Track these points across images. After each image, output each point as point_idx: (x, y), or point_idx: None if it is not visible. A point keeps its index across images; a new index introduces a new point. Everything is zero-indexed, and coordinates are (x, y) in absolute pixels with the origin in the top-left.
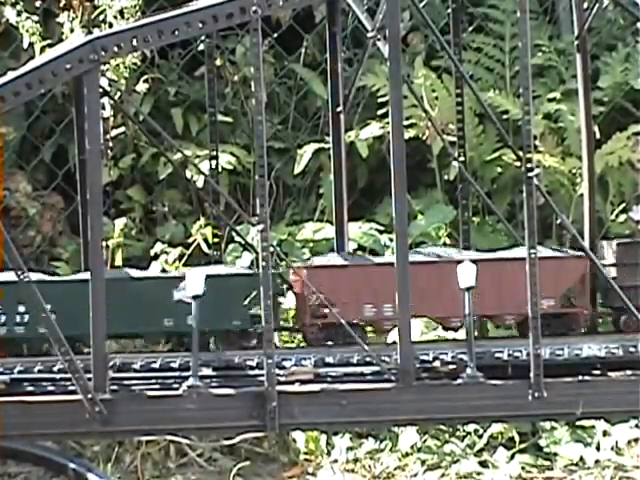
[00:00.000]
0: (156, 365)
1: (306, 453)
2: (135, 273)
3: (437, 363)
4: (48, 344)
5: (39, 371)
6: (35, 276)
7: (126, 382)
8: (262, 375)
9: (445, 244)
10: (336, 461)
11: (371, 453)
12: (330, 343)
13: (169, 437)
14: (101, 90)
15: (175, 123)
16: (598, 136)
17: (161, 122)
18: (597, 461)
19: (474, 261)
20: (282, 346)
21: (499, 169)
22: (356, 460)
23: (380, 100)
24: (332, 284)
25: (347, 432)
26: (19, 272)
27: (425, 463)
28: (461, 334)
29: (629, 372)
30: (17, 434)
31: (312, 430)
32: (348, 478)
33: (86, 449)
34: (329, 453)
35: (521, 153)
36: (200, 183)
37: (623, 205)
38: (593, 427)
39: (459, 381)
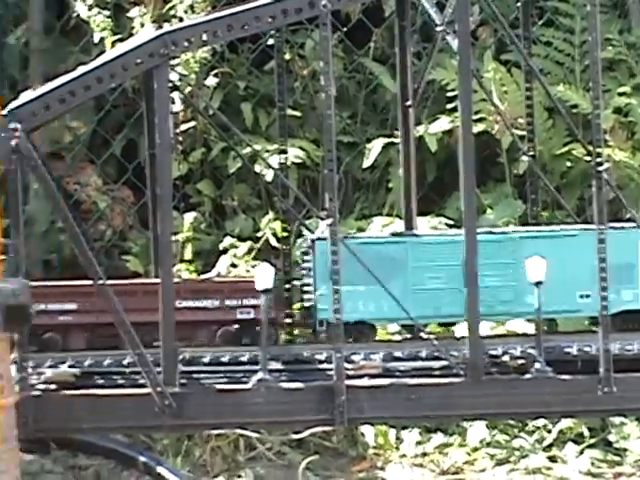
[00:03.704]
0: (225, 359)
1: (375, 447)
2: None
3: (506, 358)
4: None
5: (109, 364)
6: None
7: (195, 376)
8: (331, 369)
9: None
10: (405, 455)
11: (440, 448)
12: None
13: (238, 431)
14: (171, 84)
15: (245, 117)
16: None
17: (231, 116)
18: None
19: None
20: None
21: (568, 163)
22: (425, 454)
23: (449, 94)
24: None
25: (416, 426)
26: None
27: (494, 458)
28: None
29: None
30: (87, 427)
31: (381, 424)
32: (417, 472)
33: (156, 442)
34: (398, 447)
35: (591, 147)
36: (269, 177)
37: None
38: None
39: (528, 376)
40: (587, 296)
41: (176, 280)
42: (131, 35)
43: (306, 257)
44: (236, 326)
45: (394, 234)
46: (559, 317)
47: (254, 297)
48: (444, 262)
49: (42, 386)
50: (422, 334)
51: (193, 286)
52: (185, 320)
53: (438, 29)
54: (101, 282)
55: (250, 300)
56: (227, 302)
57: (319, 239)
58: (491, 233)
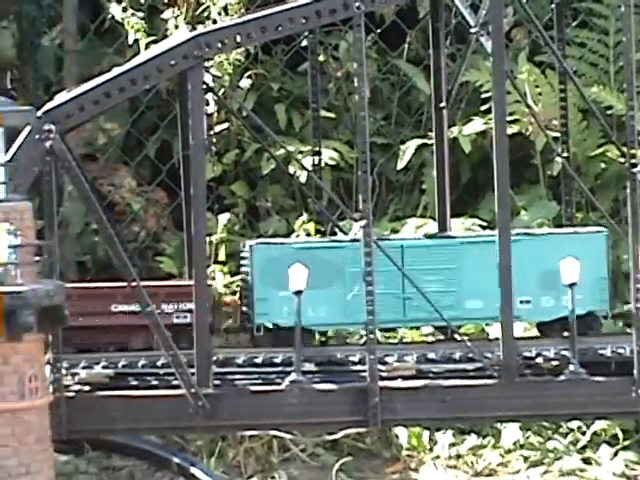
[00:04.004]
0: (259, 360)
1: (408, 449)
2: None
3: (540, 359)
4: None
5: (143, 365)
6: None
7: (229, 377)
8: (364, 370)
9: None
10: (438, 457)
11: (473, 449)
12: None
13: (272, 432)
14: (205, 86)
15: (278, 119)
16: None
17: (264, 118)
18: None
19: None
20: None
21: (603, 165)
22: (458, 456)
23: (483, 96)
24: None
25: (449, 428)
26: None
27: (528, 460)
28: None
29: None
30: (121, 428)
31: (414, 426)
32: (450, 474)
33: (190, 443)
34: (431, 449)
35: (625, 149)
36: (303, 179)
37: None
38: None
39: (562, 377)
40: (527, 302)
41: (111, 285)
42: (165, 37)
43: (244, 262)
44: (172, 330)
45: (333, 240)
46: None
47: (190, 302)
48: (382, 267)
49: (76, 387)
50: (456, 335)
51: (129, 290)
52: (121, 324)
53: (472, 30)
54: (135, 284)
55: (186, 305)
56: (163, 307)
57: (257, 244)
58: (432, 238)
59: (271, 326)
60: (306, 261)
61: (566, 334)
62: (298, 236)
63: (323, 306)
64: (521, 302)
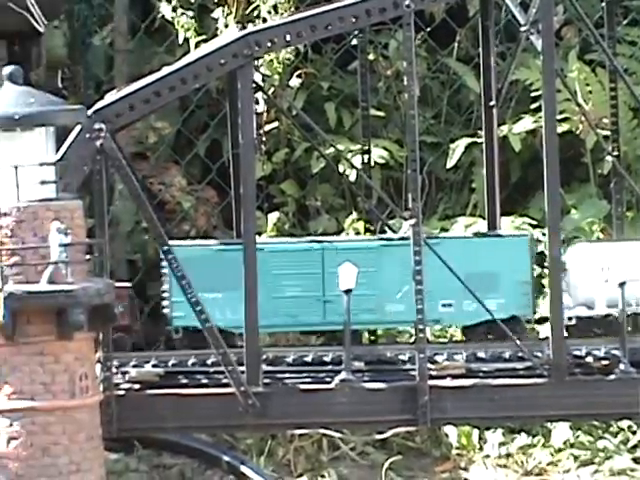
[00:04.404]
0: (308, 359)
1: (458, 448)
2: None
3: (590, 359)
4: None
5: (193, 364)
6: None
7: (279, 375)
8: (414, 369)
9: (598, 239)
10: (488, 456)
11: (523, 448)
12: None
13: (322, 430)
14: (255, 85)
15: (328, 117)
16: None
17: (314, 116)
18: None
19: None
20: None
21: None
22: (508, 455)
23: (533, 94)
24: None
25: (499, 427)
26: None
27: (578, 459)
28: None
29: None
30: (171, 426)
31: (464, 425)
32: (500, 473)
33: (239, 442)
34: (481, 448)
35: None
36: (352, 177)
37: None
38: None
39: (612, 377)
40: (449, 305)
41: None
42: (215, 36)
43: (163, 264)
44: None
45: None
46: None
47: (119, 304)
48: (302, 270)
49: (126, 385)
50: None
51: None
52: None
53: (522, 29)
54: (185, 281)
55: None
56: None
57: (173, 246)
58: (349, 241)
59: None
60: (223, 263)
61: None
62: (347, 234)
63: (240, 308)
64: (443, 305)
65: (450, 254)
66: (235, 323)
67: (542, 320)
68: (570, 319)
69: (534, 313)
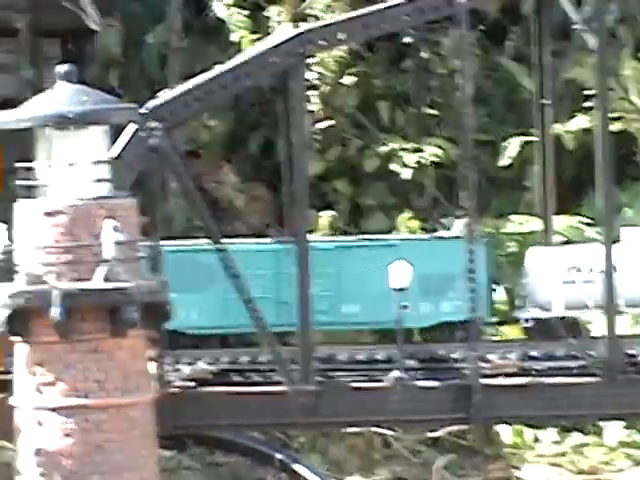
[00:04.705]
0: (361, 357)
1: (510, 446)
2: None
3: None
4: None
5: (246, 362)
6: None
7: (331, 374)
8: (467, 368)
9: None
10: (541, 455)
11: (576, 447)
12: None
13: (374, 429)
14: (308, 83)
15: (381, 116)
16: None
17: (367, 115)
18: None
19: None
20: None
21: None
22: (561, 454)
23: (586, 92)
24: None
25: (552, 426)
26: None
27: (632, 458)
28: None
29: None
30: (224, 424)
31: (516, 423)
32: (553, 472)
33: (292, 440)
34: (534, 447)
35: None
36: (406, 175)
37: None
38: None
39: None
40: (405, 307)
41: None
42: (268, 34)
43: None
44: None
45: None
46: (378, 328)
47: None
48: (259, 271)
49: (180, 383)
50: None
51: None
52: None
53: (576, 27)
54: (238, 280)
55: None
56: None
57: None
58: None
59: None
60: (182, 264)
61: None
62: (399, 232)
63: (197, 309)
64: (400, 307)
65: (406, 256)
66: (191, 324)
67: (501, 322)
68: (527, 321)
69: (493, 316)
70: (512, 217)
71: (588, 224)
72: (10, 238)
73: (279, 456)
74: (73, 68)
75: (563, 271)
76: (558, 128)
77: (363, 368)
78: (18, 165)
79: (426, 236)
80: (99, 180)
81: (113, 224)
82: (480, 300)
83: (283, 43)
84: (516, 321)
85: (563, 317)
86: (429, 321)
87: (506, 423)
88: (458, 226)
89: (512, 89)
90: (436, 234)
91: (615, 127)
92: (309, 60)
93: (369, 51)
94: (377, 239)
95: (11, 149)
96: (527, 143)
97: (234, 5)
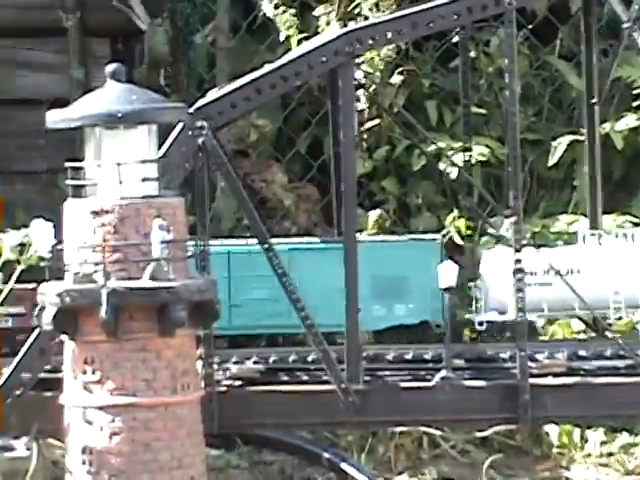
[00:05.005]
0: (409, 356)
1: (559, 446)
2: None
3: None
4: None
5: (294, 361)
6: None
7: (379, 373)
8: (514, 367)
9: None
10: (589, 455)
11: (625, 447)
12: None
13: (422, 428)
14: (356, 82)
15: (429, 115)
16: None
17: (415, 114)
18: None
19: None
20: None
21: None
22: (610, 454)
23: (635, 92)
24: None
25: (600, 426)
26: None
27: None
28: None
29: None
30: (272, 423)
31: (565, 423)
32: (601, 472)
33: (340, 439)
34: (582, 447)
35: None
36: (454, 175)
37: None
38: None
39: None
40: (358, 310)
41: None
42: (316, 33)
43: None
44: None
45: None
46: (329, 330)
47: (17, 305)
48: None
49: (227, 382)
50: (608, 333)
51: None
52: None
53: (625, 26)
54: (286, 278)
55: (7, 309)
56: None
57: None
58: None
59: None
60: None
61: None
62: (448, 232)
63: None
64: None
65: (359, 258)
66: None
67: (461, 324)
68: (481, 324)
69: (444, 319)
70: (560, 217)
71: (637, 224)
72: (59, 237)
73: (327, 455)
74: (122, 67)
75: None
76: (607, 127)
77: (410, 367)
78: (67, 164)
79: (378, 239)
80: (147, 179)
81: (161, 223)
82: (435, 303)
83: (331, 42)
84: (471, 324)
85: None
86: (382, 324)
87: (554, 423)
88: (506, 225)
89: (561, 88)
90: (389, 237)
91: None
92: (357, 59)
93: (417, 50)
94: (328, 241)
95: (60, 148)
96: (576, 142)
97: (282, 4)
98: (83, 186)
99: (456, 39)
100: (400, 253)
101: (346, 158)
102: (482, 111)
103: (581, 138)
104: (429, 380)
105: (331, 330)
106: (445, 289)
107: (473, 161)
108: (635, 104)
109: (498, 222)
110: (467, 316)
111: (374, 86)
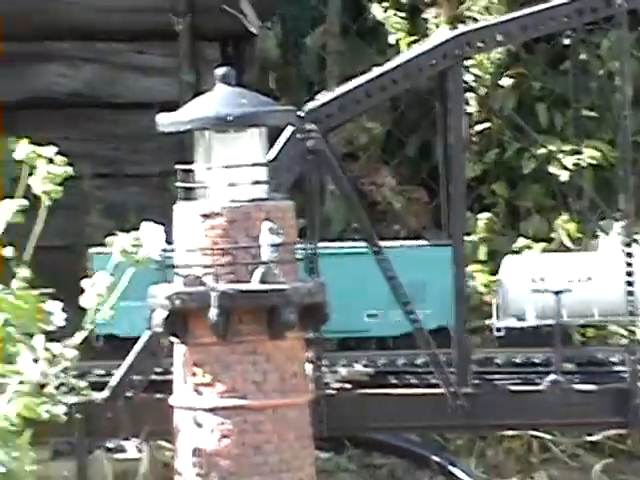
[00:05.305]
0: (517, 360)
1: None
2: None
3: None
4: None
5: (402, 364)
6: None
7: (487, 376)
8: (625, 371)
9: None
10: None
11: None
12: None
13: (531, 432)
14: (466, 85)
15: (539, 118)
16: None
17: (525, 117)
18: None
19: None
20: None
21: None
22: None
23: None
24: None
25: None
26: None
27: None
28: None
29: None
30: (381, 426)
31: None
32: None
33: (449, 442)
34: None
35: None
36: (564, 178)
37: None
38: None
39: None
40: (374, 315)
41: None
42: (426, 36)
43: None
44: None
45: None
46: (345, 336)
47: None
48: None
49: (337, 385)
50: None
51: None
52: None
53: None
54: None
55: None
56: None
57: (97, 253)
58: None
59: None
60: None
61: None
62: (557, 235)
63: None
64: (369, 316)
65: (373, 263)
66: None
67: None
68: (499, 330)
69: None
70: None
71: None
72: (169, 240)
73: (436, 458)
74: (231, 70)
75: (533, 280)
76: None
77: (520, 371)
78: (177, 167)
79: (396, 244)
80: (257, 182)
81: (271, 226)
82: (446, 308)
83: (440, 45)
84: (489, 330)
85: (537, 327)
86: (399, 330)
87: None
88: (616, 229)
89: None
90: (404, 243)
91: None
92: (467, 62)
93: (527, 53)
94: (344, 247)
95: (171, 152)
96: None
97: (392, 7)
98: (193, 189)
99: (566, 41)
100: (416, 258)
101: (455, 161)
102: (593, 114)
103: None
104: (538, 384)
105: (351, 336)
106: (557, 292)
107: (584, 164)
108: None
109: (609, 225)
110: (486, 322)
111: (484, 89)
